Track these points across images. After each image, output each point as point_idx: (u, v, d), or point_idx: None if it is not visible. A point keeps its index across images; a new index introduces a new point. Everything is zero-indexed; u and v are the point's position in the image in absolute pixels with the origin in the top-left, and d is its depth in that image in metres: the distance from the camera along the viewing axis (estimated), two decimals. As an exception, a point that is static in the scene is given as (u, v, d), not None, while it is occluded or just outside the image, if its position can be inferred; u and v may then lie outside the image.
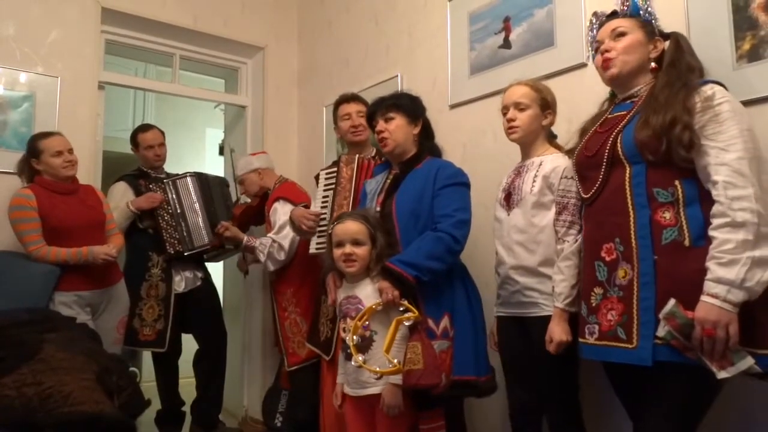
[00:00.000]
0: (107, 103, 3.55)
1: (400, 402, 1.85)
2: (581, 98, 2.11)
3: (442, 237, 1.91)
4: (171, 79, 3.79)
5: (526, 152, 1.99)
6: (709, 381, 1.35)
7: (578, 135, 1.75)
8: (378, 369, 1.84)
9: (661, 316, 1.38)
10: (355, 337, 1.88)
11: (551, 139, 2.01)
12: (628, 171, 1.52)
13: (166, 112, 5.18)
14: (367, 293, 1.95)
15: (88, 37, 3.21)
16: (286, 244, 2.73)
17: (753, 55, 1.70)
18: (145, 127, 3.32)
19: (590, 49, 1.75)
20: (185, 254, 3.09)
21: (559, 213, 1.79)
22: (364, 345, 1.90)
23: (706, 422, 1.46)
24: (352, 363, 1.90)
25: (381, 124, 2.13)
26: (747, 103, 1.68)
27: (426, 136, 2.20)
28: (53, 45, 3.09)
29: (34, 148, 2.63)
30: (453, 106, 2.72)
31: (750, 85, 1.69)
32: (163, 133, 3.33)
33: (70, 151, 2.68)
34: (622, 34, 1.61)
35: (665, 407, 1.44)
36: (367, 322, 1.91)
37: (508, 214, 1.93)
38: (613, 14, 1.67)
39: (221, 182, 3.39)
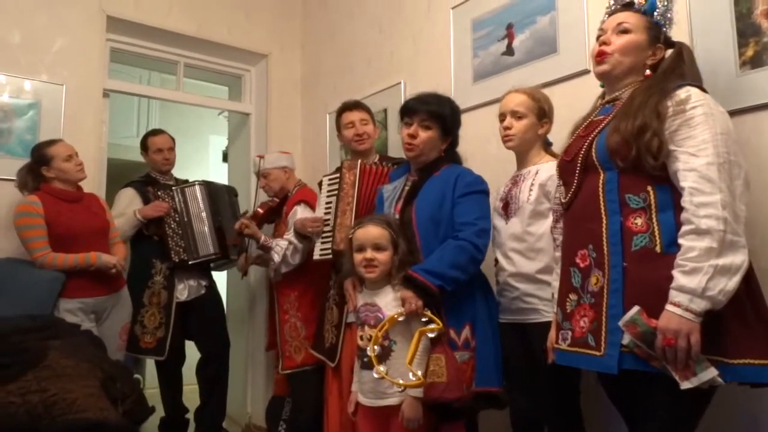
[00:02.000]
0: (111, 111, 3.57)
1: (420, 415, 1.80)
2: (584, 105, 2.09)
3: (464, 246, 1.87)
4: (175, 87, 3.81)
5: (522, 160, 2.00)
6: (697, 389, 1.31)
7: (569, 136, 1.73)
8: (401, 381, 1.78)
9: (621, 323, 1.36)
10: (376, 347, 1.83)
11: (547, 147, 2.01)
12: (601, 177, 1.50)
13: (169, 120, 5.20)
14: (388, 301, 1.90)
15: (93, 45, 3.24)
16: (301, 247, 2.72)
17: (756, 62, 1.70)
18: (155, 132, 3.34)
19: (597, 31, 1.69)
20: (189, 263, 3.09)
21: (556, 220, 1.79)
22: (383, 354, 1.85)
23: (713, 428, 1.45)
24: (374, 374, 1.83)
25: (415, 129, 2.05)
26: (750, 110, 1.69)
27: (451, 146, 2.14)
28: (59, 53, 3.11)
29: (42, 156, 2.64)
30: (456, 113, 2.72)
31: (753, 92, 1.69)
32: (173, 138, 3.34)
33: (77, 155, 2.71)
34: (626, 32, 1.56)
35: (655, 416, 1.40)
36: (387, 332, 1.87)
37: (506, 223, 1.94)
38: (630, 5, 1.62)
39: (229, 191, 3.39)
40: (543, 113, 1.95)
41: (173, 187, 3.18)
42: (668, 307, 1.30)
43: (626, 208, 1.44)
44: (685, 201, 1.34)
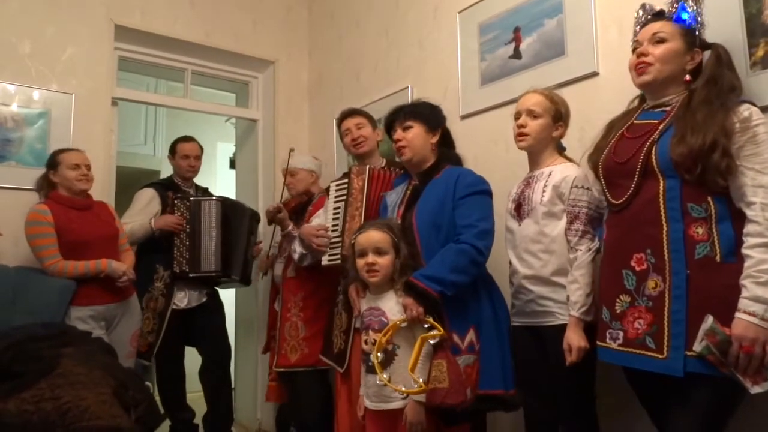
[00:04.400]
0: (119, 119, 3.59)
1: (423, 420, 1.81)
2: (593, 107, 2.12)
3: (465, 249, 1.87)
4: (183, 94, 3.83)
5: (535, 162, 1.99)
6: (734, 391, 1.38)
7: (605, 130, 1.75)
8: (404, 388, 1.79)
9: (702, 332, 1.39)
10: (379, 354, 1.84)
11: (560, 150, 2.01)
12: (661, 184, 1.53)
13: (177, 127, 5.22)
14: (391, 305, 1.91)
15: (101, 54, 3.26)
16: None
17: (767, 62, 1.69)
18: (186, 138, 3.38)
19: (631, 42, 1.73)
20: (190, 275, 3.10)
21: (570, 222, 1.79)
22: (387, 360, 1.86)
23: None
24: (377, 381, 1.84)
25: (399, 133, 2.11)
26: (761, 110, 1.68)
27: (445, 144, 2.18)
28: (68, 62, 3.14)
29: (53, 160, 2.69)
30: (464, 117, 2.72)
31: (764, 92, 1.68)
32: (201, 148, 3.38)
33: (88, 167, 2.73)
34: (662, 41, 1.60)
35: (691, 417, 1.44)
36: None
37: (520, 225, 1.93)
38: (660, 14, 1.65)
39: (252, 215, 3.36)
40: (559, 116, 1.94)
41: (191, 198, 3.19)
42: (742, 316, 1.36)
43: (688, 216, 1.48)
44: (757, 216, 1.39)
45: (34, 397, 1.82)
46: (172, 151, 3.34)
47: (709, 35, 1.75)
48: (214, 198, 3.25)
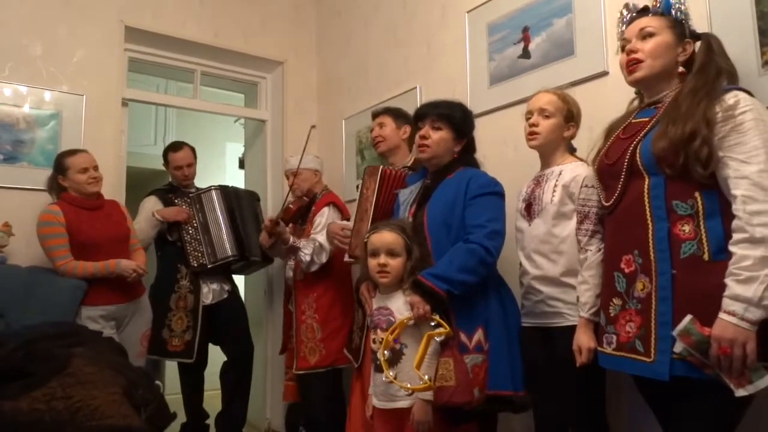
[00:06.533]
0: (130, 120, 3.61)
1: (430, 419, 1.81)
2: (602, 107, 2.10)
3: (474, 249, 1.86)
4: (192, 95, 3.85)
5: (546, 161, 1.98)
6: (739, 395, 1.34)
7: (604, 135, 1.72)
8: (409, 385, 1.79)
9: (675, 333, 1.36)
10: (386, 352, 1.84)
11: (571, 151, 2.00)
12: (646, 182, 1.49)
13: (186, 127, 5.26)
14: (399, 305, 1.91)
15: (112, 55, 3.28)
16: (327, 246, 2.75)
17: (779, 61, 1.68)
18: (175, 147, 3.33)
19: (618, 42, 1.70)
20: (209, 266, 3.12)
21: (580, 222, 1.77)
22: (394, 358, 1.86)
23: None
24: (383, 378, 1.85)
25: (427, 130, 2.07)
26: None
27: (467, 150, 2.15)
28: (79, 64, 3.16)
29: (60, 165, 2.70)
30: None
31: (777, 91, 1.67)
32: (193, 150, 3.36)
33: (95, 167, 2.74)
34: (650, 35, 1.56)
35: (696, 421, 1.41)
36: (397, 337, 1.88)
37: (530, 224, 1.92)
38: (645, 10, 1.62)
39: (251, 196, 3.41)
40: (571, 116, 1.93)
41: (190, 195, 3.23)
42: (722, 315, 1.30)
43: (673, 214, 1.44)
44: (738, 209, 1.33)
45: (45, 396, 1.83)
46: (165, 160, 3.33)
47: (720, 35, 1.73)
48: (212, 188, 3.26)
